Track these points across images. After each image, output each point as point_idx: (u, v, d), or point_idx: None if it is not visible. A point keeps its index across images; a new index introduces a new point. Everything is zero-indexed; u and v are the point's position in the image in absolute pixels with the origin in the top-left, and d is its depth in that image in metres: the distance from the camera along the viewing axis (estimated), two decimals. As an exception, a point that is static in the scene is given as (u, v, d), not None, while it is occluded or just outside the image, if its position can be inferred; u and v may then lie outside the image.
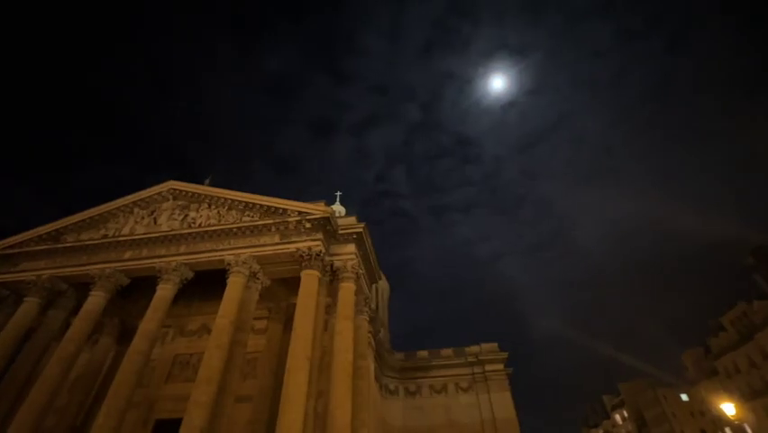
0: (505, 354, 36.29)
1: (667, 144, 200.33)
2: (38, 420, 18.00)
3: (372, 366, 29.22)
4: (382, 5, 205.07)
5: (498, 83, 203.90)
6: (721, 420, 55.81)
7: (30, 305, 22.06)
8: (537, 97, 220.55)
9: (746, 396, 52.43)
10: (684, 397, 69.83)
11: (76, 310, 22.01)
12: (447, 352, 37.86)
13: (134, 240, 22.84)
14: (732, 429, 55.93)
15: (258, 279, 21.15)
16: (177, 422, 15.96)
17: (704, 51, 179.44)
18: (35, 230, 24.55)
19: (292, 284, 21.07)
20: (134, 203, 24.86)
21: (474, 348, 37.17)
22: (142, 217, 24.32)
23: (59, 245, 23.75)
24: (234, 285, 19.85)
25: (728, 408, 21.85)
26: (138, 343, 18.82)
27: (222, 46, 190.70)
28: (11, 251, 24.06)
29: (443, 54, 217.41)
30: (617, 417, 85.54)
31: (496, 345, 37.27)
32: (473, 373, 35.73)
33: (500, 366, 35.85)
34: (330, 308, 21.12)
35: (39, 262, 23.61)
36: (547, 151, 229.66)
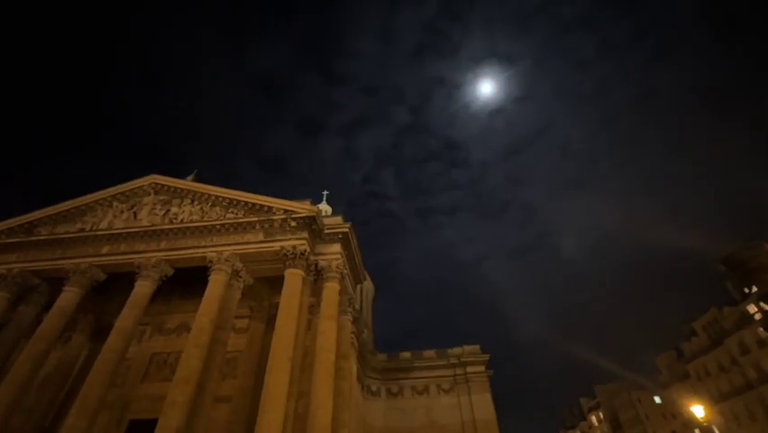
0: (486, 357, 36.67)
1: (647, 154, 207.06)
2: (4, 420, 17.29)
3: (355, 367, 29.11)
4: (374, 8, 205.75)
5: (486, 89, 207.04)
6: (692, 422, 57.77)
7: (-1, 300, 21.16)
8: (524, 105, 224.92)
9: (715, 399, 54.45)
10: (657, 399, 71.94)
11: (48, 306, 21.23)
12: (430, 353, 38.01)
13: (113, 234, 22.18)
14: (701, 431, 57.97)
15: (240, 277, 20.83)
16: (152, 423, 15.54)
17: (683, 67, 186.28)
18: (6, 222, 23.53)
19: (275, 283, 20.82)
20: (114, 196, 24.14)
21: (457, 350, 37.42)
22: (122, 211, 23.63)
23: (33, 238, 22.87)
24: (216, 283, 19.50)
25: (698, 410, 22.62)
26: (113, 341, 18.28)
27: (215, 45, 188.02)
28: (-21, 243, 23.03)
29: (434, 58, 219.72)
30: (593, 418, 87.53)
31: (478, 347, 37.60)
32: (455, 375, 35.97)
33: (482, 368, 36.19)
34: (313, 308, 20.96)
35: (10, 256, 22.66)
36: (532, 157, 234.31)
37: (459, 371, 36.06)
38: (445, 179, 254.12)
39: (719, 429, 54.38)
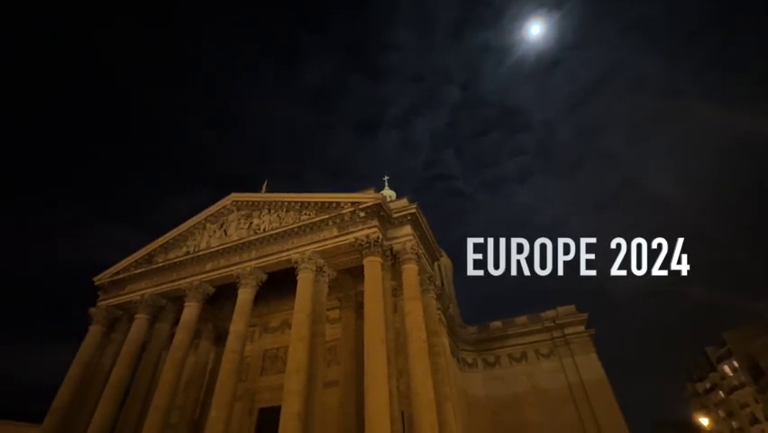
0: (584, 316, 34.49)
1: (742, 72, 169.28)
2: (164, 418, 20.86)
3: (447, 342, 29.48)
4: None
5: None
6: None
7: (140, 321, 25.39)
8: (582, 52, 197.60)
9: None
10: (809, 339, 61.39)
11: (177, 321, 24.86)
12: (522, 319, 36.91)
13: (212, 252, 25.10)
14: None
15: (324, 272, 22.15)
16: (276, 409, 17.68)
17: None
18: (131, 256, 28.02)
19: (357, 273, 21.80)
20: (206, 219, 27.25)
21: (550, 313, 35.77)
22: (214, 231, 26.60)
23: (153, 266, 26.90)
24: (304, 281, 21.05)
25: None
26: (231, 343, 20.87)
27: (262, 67, 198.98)
28: (117, 276, 27.81)
29: (476, 30, 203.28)
30: (726, 368, 77.70)
31: (573, 307, 35.50)
32: (553, 338, 34.54)
33: (581, 328, 34.20)
34: (396, 291, 21.55)
35: (140, 283, 26.98)
36: (602, 105, 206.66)
37: (556, 333, 34.52)
38: (509, 146, 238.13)
39: None
